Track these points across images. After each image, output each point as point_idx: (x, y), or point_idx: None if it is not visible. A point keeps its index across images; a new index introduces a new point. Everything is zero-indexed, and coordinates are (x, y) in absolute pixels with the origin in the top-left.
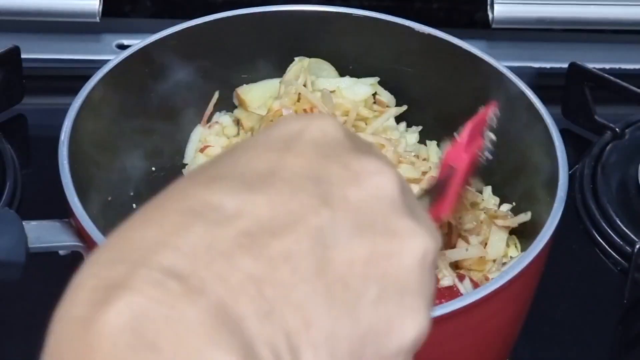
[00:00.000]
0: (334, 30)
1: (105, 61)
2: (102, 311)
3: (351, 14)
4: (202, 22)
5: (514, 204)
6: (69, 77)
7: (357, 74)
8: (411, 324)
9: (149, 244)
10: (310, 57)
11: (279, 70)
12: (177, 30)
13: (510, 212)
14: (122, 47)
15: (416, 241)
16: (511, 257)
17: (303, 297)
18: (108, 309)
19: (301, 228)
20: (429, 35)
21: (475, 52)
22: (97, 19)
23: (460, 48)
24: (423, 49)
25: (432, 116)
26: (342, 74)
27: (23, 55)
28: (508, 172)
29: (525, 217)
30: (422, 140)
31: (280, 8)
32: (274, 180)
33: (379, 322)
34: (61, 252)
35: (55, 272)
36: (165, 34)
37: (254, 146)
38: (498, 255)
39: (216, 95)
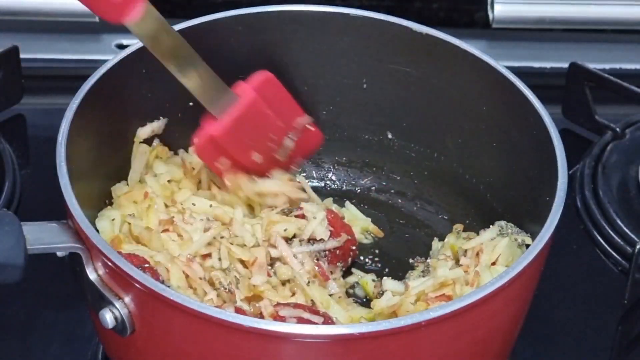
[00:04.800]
0: (332, 30)
1: (105, 61)
2: None
3: (348, 13)
4: (201, 22)
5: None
6: (69, 77)
7: (354, 74)
8: None
9: None
10: (302, 55)
11: (275, 72)
12: (191, 24)
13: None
14: (122, 47)
15: None
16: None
17: None
18: None
19: None
20: (427, 35)
21: (474, 51)
22: (97, 19)
23: (458, 48)
24: (421, 49)
25: (428, 118)
26: (338, 73)
27: (22, 55)
28: (506, 172)
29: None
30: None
31: (277, 8)
32: None
33: None
34: (59, 254)
35: (53, 272)
36: (179, 28)
37: None
38: None
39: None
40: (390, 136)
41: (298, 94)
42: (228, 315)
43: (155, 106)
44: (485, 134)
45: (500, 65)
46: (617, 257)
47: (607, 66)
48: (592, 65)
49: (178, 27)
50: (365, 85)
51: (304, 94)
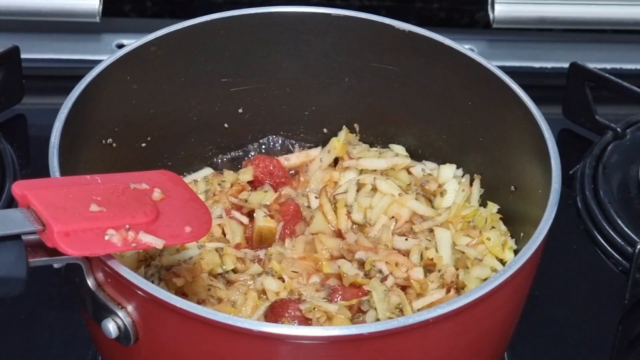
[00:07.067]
0: (314, 30)
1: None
2: None
3: (330, 14)
4: (200, 21)
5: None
6: (69, 77)
7: (337, 73)
8: None
9: None
10: (284, 56)
11: (273, 74)
12: (174, 29)
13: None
14: (122, 47)
15: None
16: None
17: None
18: None
19: None
20: (409, 32)
21: (457, 47)
22: (97, 19)
23: (441, 44)
24: (404, 47)
25: (412, 115)
26: (321, 73)
27: (23, 55)
28: (496, 167)
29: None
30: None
31: (258, 10)
32: None
33: None
34: (56, 265)
35: (54, 273)
36: (162, 33)
37: None
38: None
39: None
40: (374, 134)
41: (280, 95)
42: (236, 320)
43: (154, 106)
44: (472, 129)
45: (484, 60)
46: (618, 257)
47: (608, 66)
48: (592, 65)
49: (176, 26)
50: (348, 85)
51: (286, 95)
